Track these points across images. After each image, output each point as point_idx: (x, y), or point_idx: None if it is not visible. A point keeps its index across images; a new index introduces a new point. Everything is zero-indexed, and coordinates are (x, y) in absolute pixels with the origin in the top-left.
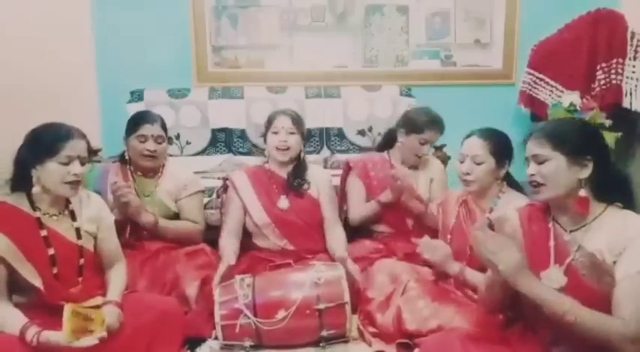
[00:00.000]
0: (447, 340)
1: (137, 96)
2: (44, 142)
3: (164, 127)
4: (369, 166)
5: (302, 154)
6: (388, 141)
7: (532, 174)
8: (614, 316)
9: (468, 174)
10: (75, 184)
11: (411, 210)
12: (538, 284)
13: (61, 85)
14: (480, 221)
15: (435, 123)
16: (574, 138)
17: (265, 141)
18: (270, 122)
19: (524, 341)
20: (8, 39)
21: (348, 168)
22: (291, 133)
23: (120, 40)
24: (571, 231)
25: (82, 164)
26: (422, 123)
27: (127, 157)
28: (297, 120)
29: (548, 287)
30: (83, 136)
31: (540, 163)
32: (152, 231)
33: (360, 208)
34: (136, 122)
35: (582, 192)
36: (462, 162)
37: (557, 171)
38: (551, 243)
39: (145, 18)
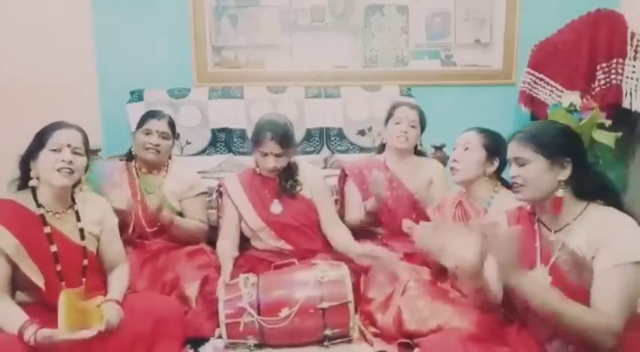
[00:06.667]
0: (447, 340)
1: (137, 96)
2: (37, 136)
3: (172, 126)
4: (365, 173)
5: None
6: (384, 144)
7: (514, 176)
8: (593, 309)
9: (455, 161)
10: (66, 172)
11: (410, 212)
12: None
13: (62, 85)
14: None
15: (404, 102)
16: (555, 141)
17: (253, 151)
18: (258, 140)
19: (522, 338)
20: (8, 39)
21: (344, 175)
22: (279, 156)
23: (120, 40)
24: (555, 232)
25: (77, 154)
26: (392, 106)
27: (132, 153)
28: (285, 141)
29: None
30: (77, 129)
31: (522, 166)
32: (165, 225)
33: (356, 213)
34: (144, 117)
35: (559, 193)
36: (454, 150)
37: (538, 174)
38: (537, 244)
39: (145, 18)
